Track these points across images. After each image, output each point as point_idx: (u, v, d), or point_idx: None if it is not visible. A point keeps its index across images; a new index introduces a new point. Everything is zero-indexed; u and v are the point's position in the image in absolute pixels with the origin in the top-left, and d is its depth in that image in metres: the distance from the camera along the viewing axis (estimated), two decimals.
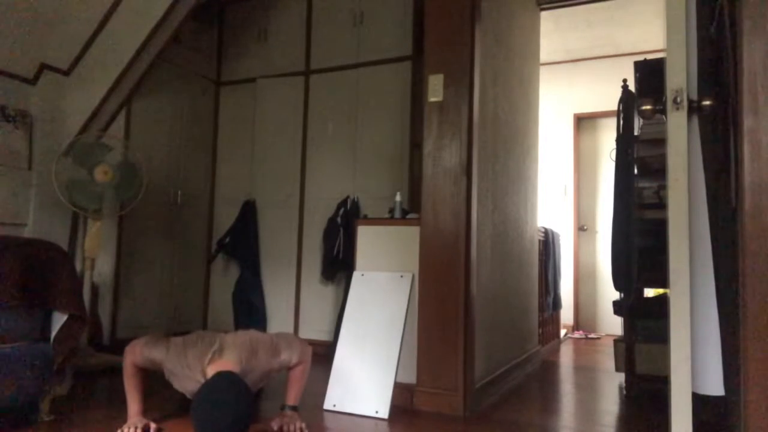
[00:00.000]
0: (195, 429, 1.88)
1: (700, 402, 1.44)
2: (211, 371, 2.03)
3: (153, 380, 2.24)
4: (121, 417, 2.15)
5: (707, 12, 1.70)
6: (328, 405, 2.57)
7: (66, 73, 3.62)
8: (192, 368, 2.10)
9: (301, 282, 4.24)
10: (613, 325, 5.59)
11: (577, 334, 5.75)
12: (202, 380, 2.04)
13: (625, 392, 3.06)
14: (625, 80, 3.11)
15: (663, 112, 1.43)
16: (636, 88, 3.20)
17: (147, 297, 4.06)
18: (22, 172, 3.40)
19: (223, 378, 1.96)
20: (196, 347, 2.14)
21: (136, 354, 2.16)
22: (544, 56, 4.70)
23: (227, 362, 2.07)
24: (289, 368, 2.28)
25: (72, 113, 3.63)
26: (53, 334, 2.25)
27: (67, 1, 3.36)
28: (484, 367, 2.84)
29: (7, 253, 2.11)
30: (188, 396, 2.16)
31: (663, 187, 2.86)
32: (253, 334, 2.26)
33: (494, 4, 3.12)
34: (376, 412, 2.48)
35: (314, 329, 4.08)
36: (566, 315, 5.72)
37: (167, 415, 2.34)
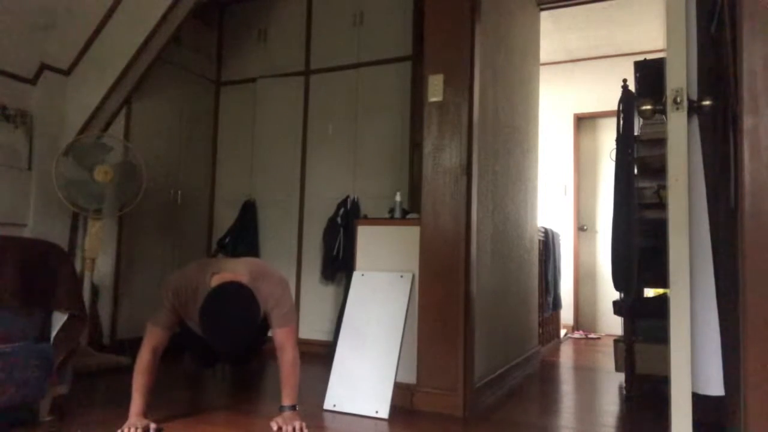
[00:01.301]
0: (205, 337, 1.86)
1: (700, 402, 1.44)
2: (216, 283, 2.04)
3: (155, 380, 2.24)
4: (121, 417, 2.15)
5: (707, 12, 1.70)
6: (328, 405, 2.57)
7: (66, 73, 3.63)
8: (199, 289, 2.08)
9: (301, 282, 4.24)
10: (613, 325, 5.58)
11: (577, 334, 5.75)
12: None
13: (625, 392, 3.06)
14: (625, 80, 3.11)
15: (663, 112, 1.43)
16: (636, 88, 3.20)
17: (147, 297, 4.05)
18: (22, 172, 3.40)
19: (229, 284, 1.97)
20: (199, 266, 2.16)
21: (152, 332, 2.16)
22: (544, 56, 4.70)
23: (233, 274, 2.08)
24: (273, 329, 2.26)
25: (72, 113, 3.63)
26: (53, 334, 2.25)
27: (67, 1, 3.36)
28: (484, 367, 2.84)
29: (7, 253, 2.11)
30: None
31: (663, 187, 2.87)
32: (262, 262, 2.27)
33: (494, 4, 3.12)
34: (376, 412, 2.48)
35: (314, 329, 4.08)
36: (566, 315, 5.72)
37: (167, 415, 2.33)
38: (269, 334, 2.36)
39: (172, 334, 2.24)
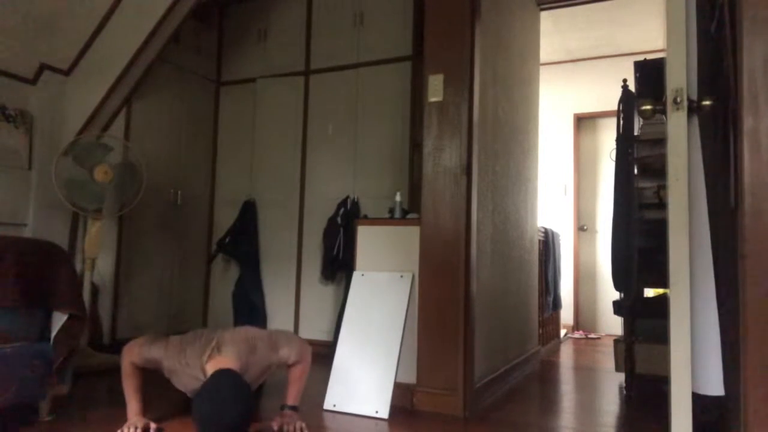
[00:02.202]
0: (197, 427, 1.88)
1: (700, 402, 1.44)
2: (210, 368, 2.04)
3: (153, 380, 2.24)
4: (121, 417, 2.15)
5: (707, 12, 1.70)
6: (328, 405, 2.57)
7: (66, 73, 3.63)
8: (191, 366, 2.10)
9: (301, 282, 4.24)
10: (613, 325, 5.59)
11: (577, 334, 5.75)
12: (202, 377, 2.04)
13: (625, 392, 3.06)
14: (625, 80, 3.11)
15: (663, 112, 1.43)
16: (636, 88, 3.20)
17: (147, 297, 4.06)
18: (22, 172, 3.40)
19: (223, 376, 1.96)
20: (195, 345, 2.14)
21: (134, 354, 2.16)
22: (544, 56, 4.69)
23: (226, 359, 2.07)
24: (288, 366, 2.28)
25: (72, 113, 3.63)
26: (53, 334, 2.25)
27: (67, 2, 3.36)
28: (484, 367, 2.84)
29: (7, 253, 2.11)
30: (189, 395, 2.17)
31: (663, 187, 2.87)
32: (251, 330, 2.27)
33: (494, 4, 3.12)
34: (376, 412, 2.48)
35: (314, 329, 4.08)
36: (566, 315, 5.72)
37: (167, 415, 2.33)
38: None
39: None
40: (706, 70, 1.58)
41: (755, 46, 1.38)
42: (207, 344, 2.13)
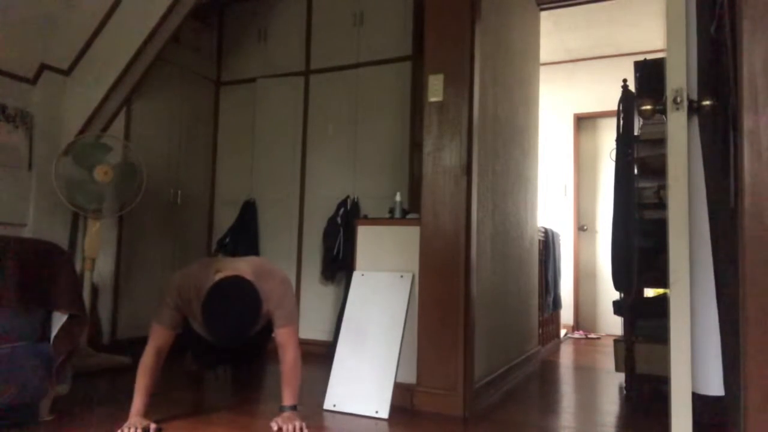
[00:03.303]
0: (206, 330, 1.87)
1: (700, 402, 1.44)
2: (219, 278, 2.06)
3: (157, 382, 2.24)
4: (122, 417, 2.15)
5: (707, 12, 1.70)
6: (328, 405, 2.57)
7: (66, 73, 3.63)
8: (203, 286, 2.09)
9: (301, 282, 4.24)
10: (613, 325, 5.58)
11: (577, 334, 5.75)
12: None
13: (625, 392, 3.06)
14: (625, 80, 3.11)
15: (663, 112, 1.43)
16: (636, 88, 3.20)
17: (147, 297, 4.06)
18: (22, 172, 3.40)
19: (231, 278, 1.98)
20: (202, 264, 2.18)
21: (157, 327, 2.17)
22: (544, 56, 4.70)
23: (236, 271, 2.09)
24: (276, 330, 2.27)
25: (72, 113, 3.63)
26: (53, 334, 2.25)
27: (67, 1, 3.36)
28: (484, 367, 2.84)
29: (7, 253, 2.11)
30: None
31: (663, 187, 2.86)
32: (267, 262, 2.30)
33: (494, 4, 3.12)
34: (376, 412, 2.48)
35: (314, 329, 4.08)
36: (566, 315, 5.72)
37: (168, 415, 2.33)
38: (272, 335, 2.36)
39: (176, 335, 2.24)
40: (706, 70, 1.58)
41: (755, 46, 1.38)
42: (216, 262, 2.18)
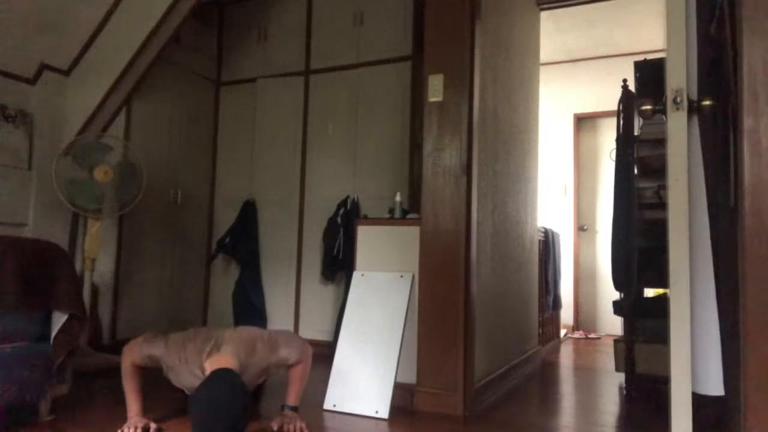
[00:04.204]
0: (192, 428, 1.88)
1: (700, 402, 1.44)
2: (209, 366, 2.04)
3: (153, 380, 2.24)
4: (122, 417, 2.15)
5: (707, 12, 1.70)
6: (328, 405, 2.57)
7: (66, 73, 3.62)
8: (190, 363, 2.10)
9: (301, 282, 4.24)
10: (613, 325, 5.58)
11: (577, 334, 5.75)
12: (201, 375, 2.04)
13: (625, 392, 3.06)
14: (625, 80, 3.11)
15: (663, 112, 1.43)
16: (636, 88, 3.20)
17: (147, 297, 4.06)
18: (22, 172, 3.40)
19: (220, 375, 1.96)
20: (194, 342, 2.15)
21: (134, 353, 2.16)
22: (544, 56, 4.69)
23: (225, 357, 2.07)
24: (289, 366, 2.28)
25: (72, 113, 3.63)
26: (53, 334, 2.25)
27: (67, 1, 3.36)
28: (484, 367, 2.84)
29: (7, 253, 2.11)
30: (187, 392, 2.17)
31: (663, 187, 2.86)
32: (251, 330, 2.27)
33: (494, 4, 3.12)
34: (376, 412, 2.48)
35: (314, 329, 4.08)
36: (566, 315, 5.72)
37: (167, 415, 2.33)
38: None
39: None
40: (706, 70, 1.58)
41: (755, 46, 1.38)
42: (207, 342, 2.13)
